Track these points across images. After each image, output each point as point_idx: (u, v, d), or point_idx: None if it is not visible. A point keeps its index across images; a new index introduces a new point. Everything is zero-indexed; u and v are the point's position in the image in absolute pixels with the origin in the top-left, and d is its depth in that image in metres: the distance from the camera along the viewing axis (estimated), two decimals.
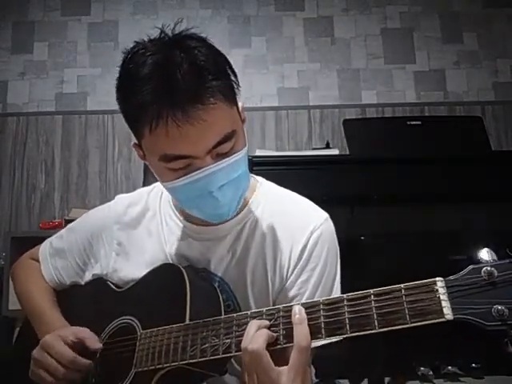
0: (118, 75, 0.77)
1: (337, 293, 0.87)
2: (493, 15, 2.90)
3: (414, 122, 2.10)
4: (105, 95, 2.78)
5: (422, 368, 1.84)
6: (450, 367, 1.85)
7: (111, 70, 2.82)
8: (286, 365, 0.63)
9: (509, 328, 0.52)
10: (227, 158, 0.75)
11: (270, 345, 0.64)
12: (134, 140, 0.81)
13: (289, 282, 0.86)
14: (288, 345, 0.64)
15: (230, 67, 0.77)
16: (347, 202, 1.80)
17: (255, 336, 0.64)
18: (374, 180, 1.79)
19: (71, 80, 2.84)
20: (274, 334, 0.65)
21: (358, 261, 1.77)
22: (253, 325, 0.66)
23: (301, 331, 0.62)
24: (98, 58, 2.86)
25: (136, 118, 0.74)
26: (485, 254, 0.56)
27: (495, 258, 0.56)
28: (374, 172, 1.80)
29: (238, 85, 0.78)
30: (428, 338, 1.80)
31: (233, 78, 0.77)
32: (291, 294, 0.85)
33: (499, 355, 1.80)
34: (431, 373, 1.83)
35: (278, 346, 0.65)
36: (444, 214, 1.82)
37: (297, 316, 0.63)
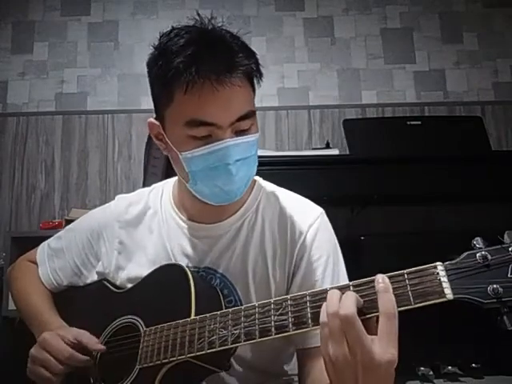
0: (152, 51, 0.82)
1: (344, 280, 0.89)
2: (493, 15, 2.90)
3: (414, 122, 2.10)
4: (105, 95, 2.76)
5: (422, 368, 1.83)
6: (450, 367, 1.85)
7: (111, 70, 2.82)
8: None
9: (503, 305, 0.56)
10: (246, 136, 0.80)
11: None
12: (151, 120, 0.85)
13: (296, 276, 0.88)
14: (371, 315, 0.60)
15: (257, 62, 0.82)
16: (347, 202, 1.81)
17: (344, 300, 0.59)
18: (374, 180, 1.79)
19: (71, 80, 2.83)
20: (361, 300, 0.61)
21: (358, 261, 1.77)
22: (334, 293, 0.61)
23: (388, 298, 0.59)
24: (98, 58, 2.85)
25: (169, 82, 0.77)
26: (478, 242, 0.61)
27: (487, 244, 0.61)
28: (374, 172, 1.80)
29: (260, 80, 0.83)
30: (428, 338, 1.80)
31: (256, 71, 0.82)
32: (301, 287, 0.86)
33: (499, 355, 1.80)
34: (431, 373, 1.82)
35: (365, 316, 0.60)
36: (444, 214, 1.82)
37: (381, 284, 0.60)
